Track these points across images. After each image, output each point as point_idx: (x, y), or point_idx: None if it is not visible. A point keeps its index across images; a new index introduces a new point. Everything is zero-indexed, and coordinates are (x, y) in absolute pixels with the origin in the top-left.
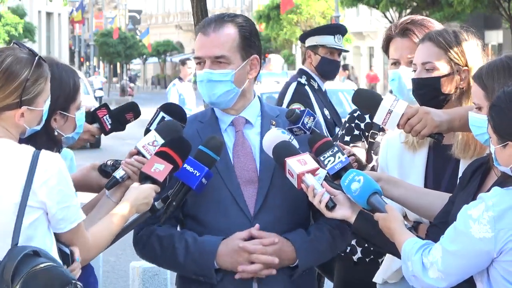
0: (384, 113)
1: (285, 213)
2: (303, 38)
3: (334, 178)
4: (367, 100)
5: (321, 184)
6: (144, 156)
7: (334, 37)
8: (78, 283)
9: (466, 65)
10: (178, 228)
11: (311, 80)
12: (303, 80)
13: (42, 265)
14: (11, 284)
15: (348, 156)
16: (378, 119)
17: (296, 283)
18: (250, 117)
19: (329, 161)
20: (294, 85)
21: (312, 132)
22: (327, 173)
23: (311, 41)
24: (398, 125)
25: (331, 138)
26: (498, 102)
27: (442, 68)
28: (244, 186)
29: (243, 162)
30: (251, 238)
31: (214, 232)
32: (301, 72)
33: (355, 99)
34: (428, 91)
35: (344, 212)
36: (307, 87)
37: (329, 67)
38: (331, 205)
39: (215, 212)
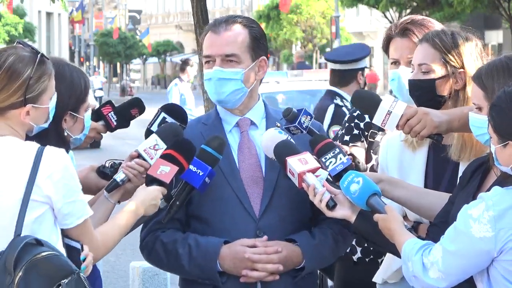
0: (384, 114)
1: (290, 213)
2: (350, 61)
3: (335, 179)
4: (366, 101)
5: (322, 184)
6: (145, 160)
7: None
8: (81, 273)
9: (463, 67)
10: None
11: (344, 101)
12: (339, 101)
13: (44, 254)
14: (13, 273)
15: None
16: (377, 120)
17: (299, 285)
18: (255, 118)
19: (330, 162)
20: (332, 107)
21: (309, 131)
22: (329, 174)
23: (363, 63)
24: (397, 126)
25: (331, 139)
26: (498, 102)
27: (438, 70)
28: (249, 186)
29: (248, 163)
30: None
31: (219, 232)
32: (333, 94)
33: (355, 101)
34: (423, 93)
35: (344, 212)
36: (344, 109)
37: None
38: (331, 205)
39: (220, 212)
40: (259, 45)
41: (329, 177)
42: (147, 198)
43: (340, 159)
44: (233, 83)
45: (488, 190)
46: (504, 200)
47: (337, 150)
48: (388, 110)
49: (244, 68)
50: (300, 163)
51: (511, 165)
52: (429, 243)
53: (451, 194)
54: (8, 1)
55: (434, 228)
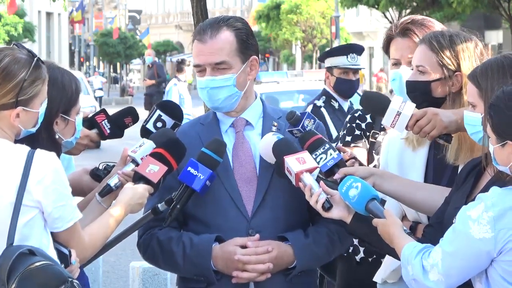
0: (393, 115)
1: (283, 213)
2: (322, 59)
3: (327, 175)
4: (375, 103)
5: (317, 181)
6: None
7: (347, 57)
8: (75, 281)
9: (459, 70)
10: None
11: (332, 101)
12: (320, 102)
13: (37, 264)
14: (6, 284)
15: (349, 159)
16: (386, 121)
17: (293, 283)
18: (251, 118)
19: (321, 158)
20: (310, 107)
21: None
22: (320, 170)
23: (327, 62)
24: (407, 127)
25: (322, 136)
26: (497, 101)
27: (434, 72)
28: (242, 185)
29: (242, 162)
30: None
31: (213, 231)
32: (323, 93)
33: (363, 102)
34: (419, 94)
35: (340, 213)
36: (323, 109)
37: (344, 87)
38: (327, 206)
39: (214, 211)
40: (248, 46)
41: (320, 173)
42: (134, 197)
43: (331, 154)
44: (226, 90)
45: (483, 190)
46: (503, 201)
47: (327, 145)
48: (398, 111)
49: (235, 72)
50: (298, 162)
51: (509, 164)
52: (429, 246)
53: (445, 188)
54: (8, 1)
55: (430, 229)
